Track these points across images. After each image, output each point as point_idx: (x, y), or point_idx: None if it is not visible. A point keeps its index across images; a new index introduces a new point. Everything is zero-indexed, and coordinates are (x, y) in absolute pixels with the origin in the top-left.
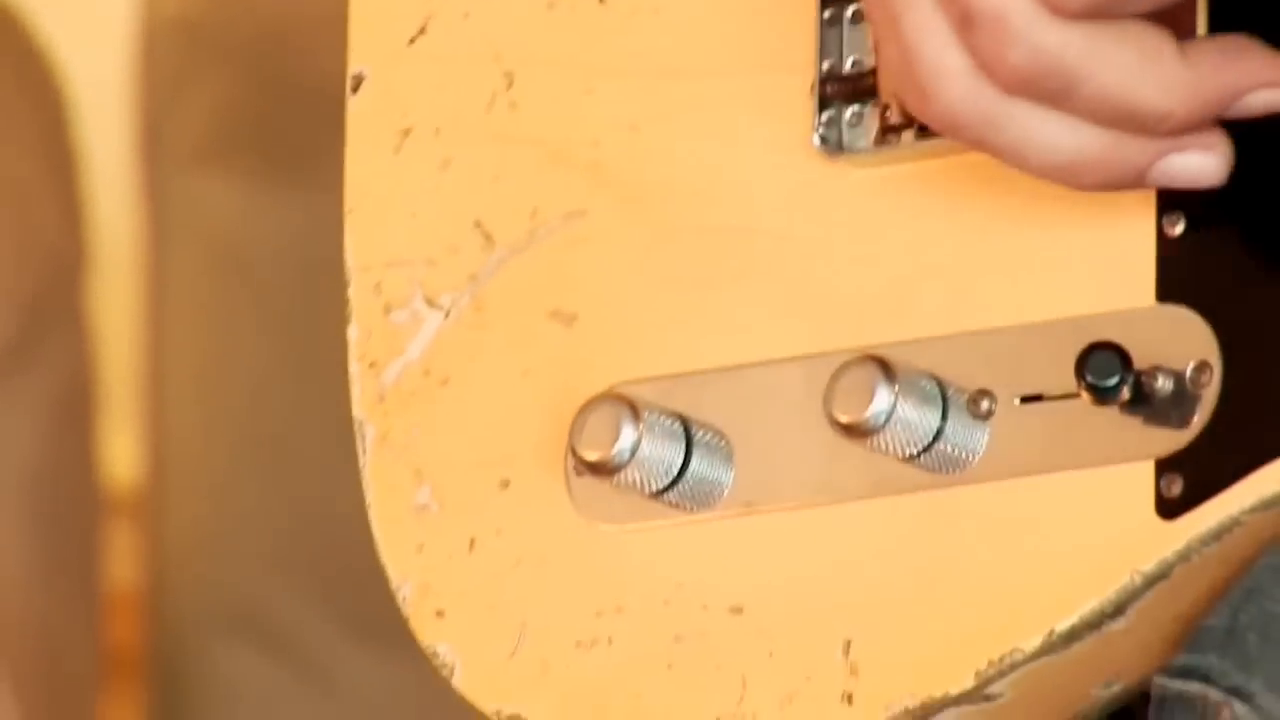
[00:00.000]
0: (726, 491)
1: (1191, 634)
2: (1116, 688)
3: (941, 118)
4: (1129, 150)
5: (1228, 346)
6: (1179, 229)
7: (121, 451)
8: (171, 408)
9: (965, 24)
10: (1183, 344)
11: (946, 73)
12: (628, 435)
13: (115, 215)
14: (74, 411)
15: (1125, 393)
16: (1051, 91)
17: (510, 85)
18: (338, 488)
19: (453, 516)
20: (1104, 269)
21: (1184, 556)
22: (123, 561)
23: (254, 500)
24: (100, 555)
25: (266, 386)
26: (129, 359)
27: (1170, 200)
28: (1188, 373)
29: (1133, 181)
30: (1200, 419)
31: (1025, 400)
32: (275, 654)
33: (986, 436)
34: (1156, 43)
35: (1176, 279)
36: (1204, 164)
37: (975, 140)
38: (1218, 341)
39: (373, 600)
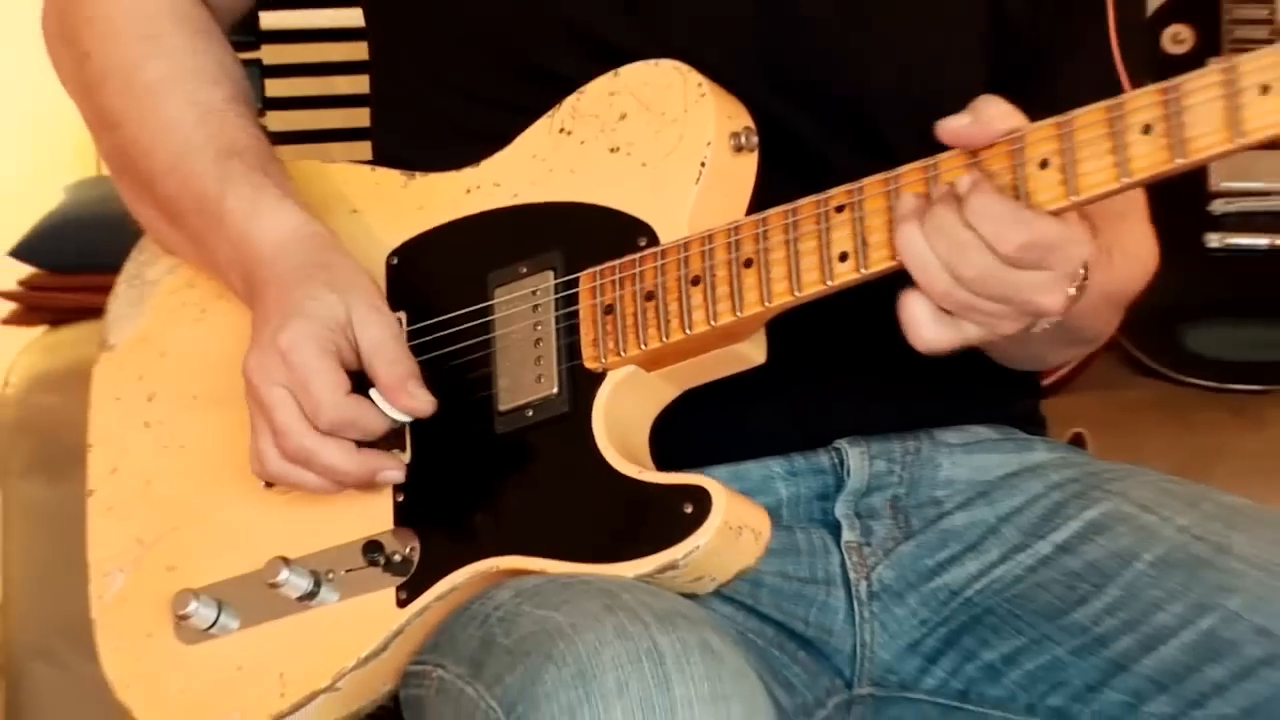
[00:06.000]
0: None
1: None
2: None
3: (269, 473)
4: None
5: None
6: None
7: None
8: None
9: (272, 430)
10: None
11: (263, 452)
12: (192, 605)
13: None
14: None
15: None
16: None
17: None
18: None
19: None
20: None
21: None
22: None
23: None
24: None
25: None
26: None
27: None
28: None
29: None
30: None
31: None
32: None
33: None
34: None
35: None
36: (391, 475)
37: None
38: None
39: None
